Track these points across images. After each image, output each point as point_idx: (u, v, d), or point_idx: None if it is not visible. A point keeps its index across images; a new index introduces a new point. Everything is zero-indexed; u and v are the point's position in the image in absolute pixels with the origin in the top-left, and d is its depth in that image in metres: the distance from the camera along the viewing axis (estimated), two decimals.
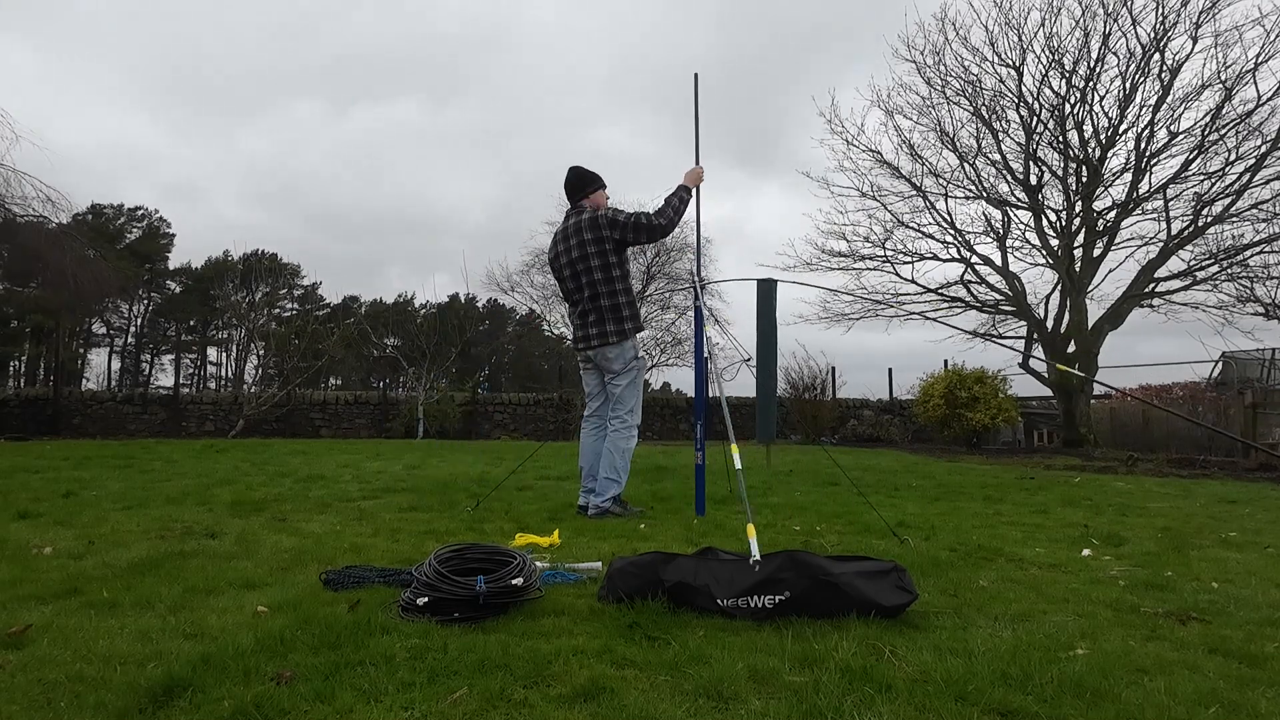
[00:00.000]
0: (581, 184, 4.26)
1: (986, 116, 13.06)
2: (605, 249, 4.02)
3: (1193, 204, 11.93)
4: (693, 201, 4.20)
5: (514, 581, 2.03)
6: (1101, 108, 12.36)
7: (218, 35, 73.95)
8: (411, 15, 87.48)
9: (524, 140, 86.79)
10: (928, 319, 13.94)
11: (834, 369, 15.69)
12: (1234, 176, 11.47)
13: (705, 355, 4.22)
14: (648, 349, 17.64)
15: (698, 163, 4.28)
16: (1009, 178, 13.38)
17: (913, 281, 14.17)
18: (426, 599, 1.97)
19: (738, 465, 2.85)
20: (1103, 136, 12.40)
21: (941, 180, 13.71)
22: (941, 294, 14.14)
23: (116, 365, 45.24)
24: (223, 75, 76.08)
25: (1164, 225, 12.13)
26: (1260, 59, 10.75)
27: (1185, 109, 11.65)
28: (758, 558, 2.30)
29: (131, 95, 77.08)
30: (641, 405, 4.21)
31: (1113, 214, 12.66)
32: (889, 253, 14.22)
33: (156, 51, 74.42)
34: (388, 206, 77.67)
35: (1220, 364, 14.19)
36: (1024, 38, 12.37)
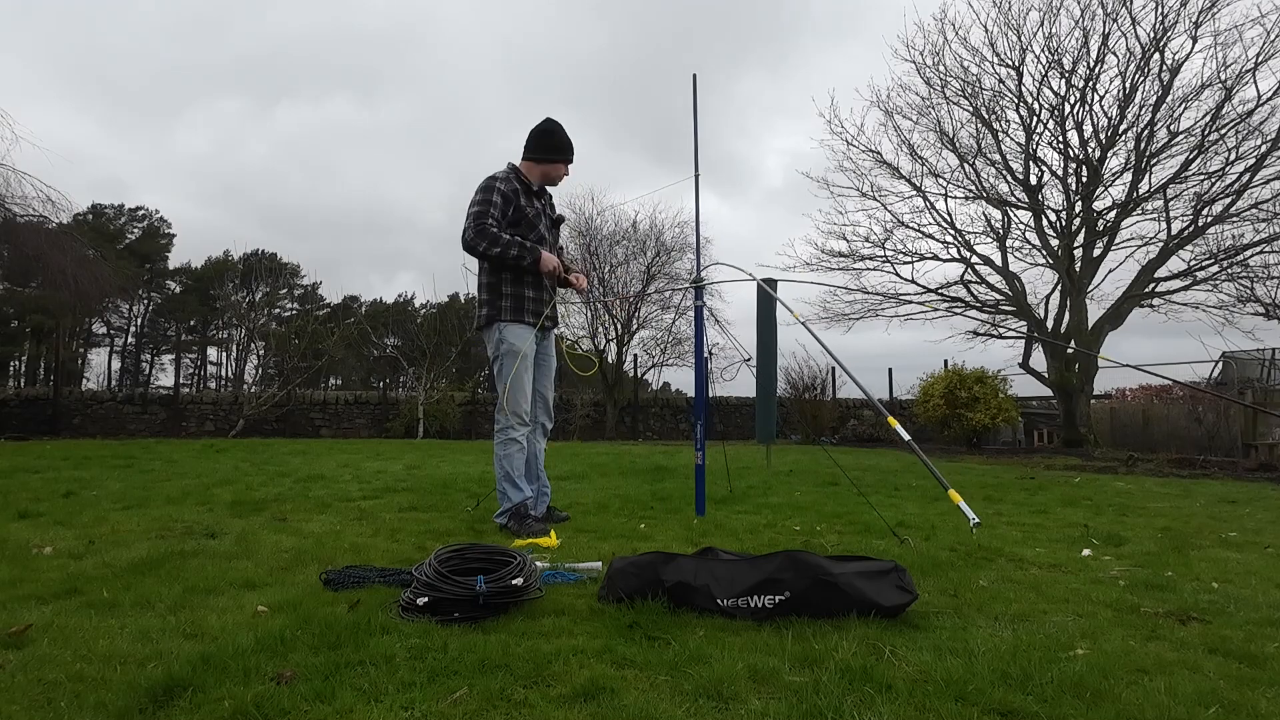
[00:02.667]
0: (533, 143, 3.70)
1: (986, 116, 13.07)
2: None
3: (1193, 204, 11.94)
4: (691, 201, 4.19)
5: (514, 581, 2.03)
6: (1101, 108, 12.37)
7: (128, 34, 72.10)
8: (325, 11, 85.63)
9: (463, 138, 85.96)
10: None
11: (834, 369, 15.71)
12: (1234, 176, 11.48)
13: (706, 355, 4.22)
14: (647, 349, 17.65)
15: (696, 162, 4.28)
16: (1009, 178, 13.39)
17: (913, 281, 14.19)
18: (426, 599, 1.97)
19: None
20: (1102, 136, 12.40)
21: (941, 180, 13.73)
22: (942, 294, 14.15)
23: (116, 365, 45.28)
24: (138, 74, 74.28)
25: (1164, 225, 12.14)
26: (1260, 59, 10.76)
27: (1185, 109, 11.66)
28: (977, 520, 2.45)
29: (51, 95, 74.54)
30: (521, 400, 3.57)
31: (1113, 214, 12.67)
32: (889, 253, 14.24)
33: (66, 50, 72.10)
34: (336, 205, 76.95)
35: (1220, 364, 14.19)
36: (1023, 38, 12.39)
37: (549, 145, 3.70)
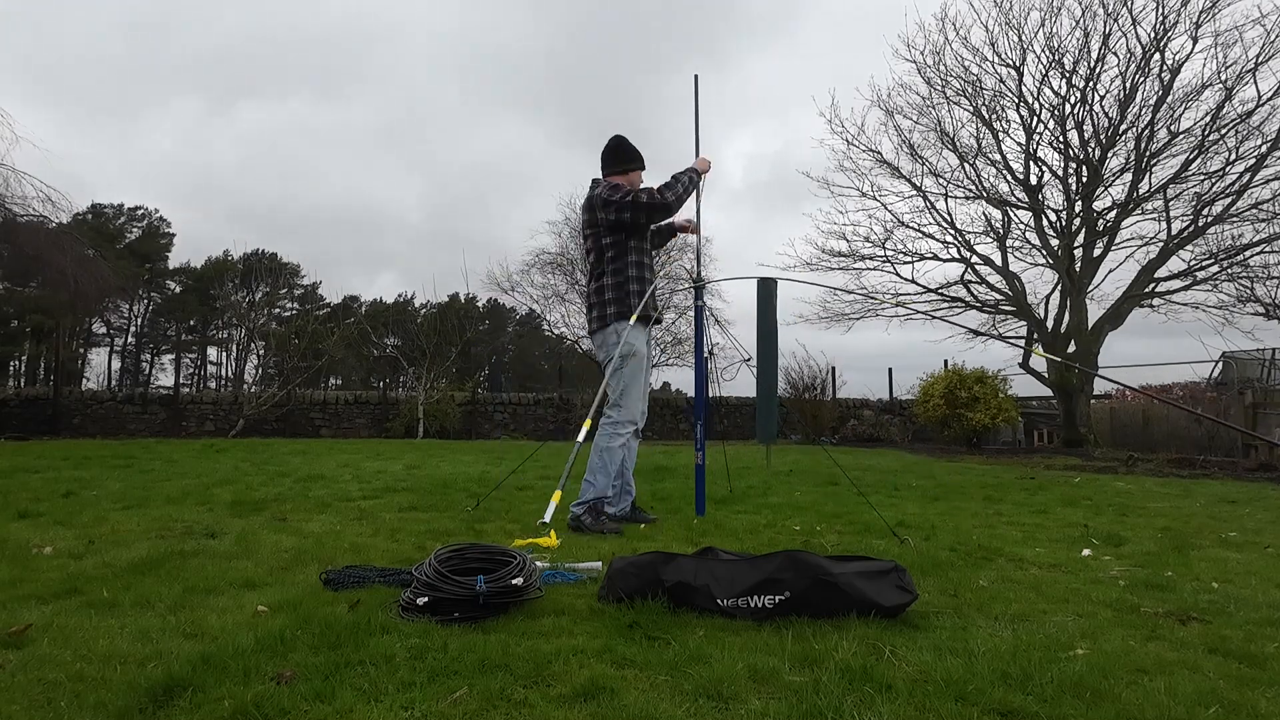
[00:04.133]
0: (611, 158, 3.96)
1: (986, 116, 13.07)
2: (599, 231, 3.77)
3: (1193, 204, 11.94)
4: (692, 198, 4.15)
5: (514, 581, 2.03)
6: (1101, 108, 12.37)
7: (79, 33, 69.50)
8: (270, 13, 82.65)
9: (433, 139, 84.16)
10: (934, 317, 13.94)
11: (834, 369, 15.72)
12: (1234, 176, 11.48)
13: (705, 355, 4.22)
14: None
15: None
16: (1009, 178, 13.40)
17: (913, 281, 14.20)
18: (426, 599, 1.97)
19: (544, 519, 2.84)
20: (1103, 136, 12.40)
21: (941, 180, 13.73)
22: (942, 294, 14.15)
23: (116, 365, 45.25)
24: (92, 73, 72.24)
25: (1164, 225, 12.14)
26: (1260, 59, 10.76)
27: (1185, 109, 11.66)
28: (545, 520, 2.72)
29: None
30: (638, 400, 3.79)
31: (1113, 214, 12.67)
32: (889, 253, 14.24)
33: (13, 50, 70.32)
34: (310, 203, 75.42)
35: (1220, 364, 14.19)
36: (1024, 38, 12.39)
37: (627, 155, 3.97)
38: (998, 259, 13.57)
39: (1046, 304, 13.43)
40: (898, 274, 14.27)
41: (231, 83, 77.94)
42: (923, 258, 14.08)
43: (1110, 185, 12.85)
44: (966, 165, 13.43)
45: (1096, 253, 12.72)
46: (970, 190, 13.61)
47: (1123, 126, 12.22)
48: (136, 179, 72.13)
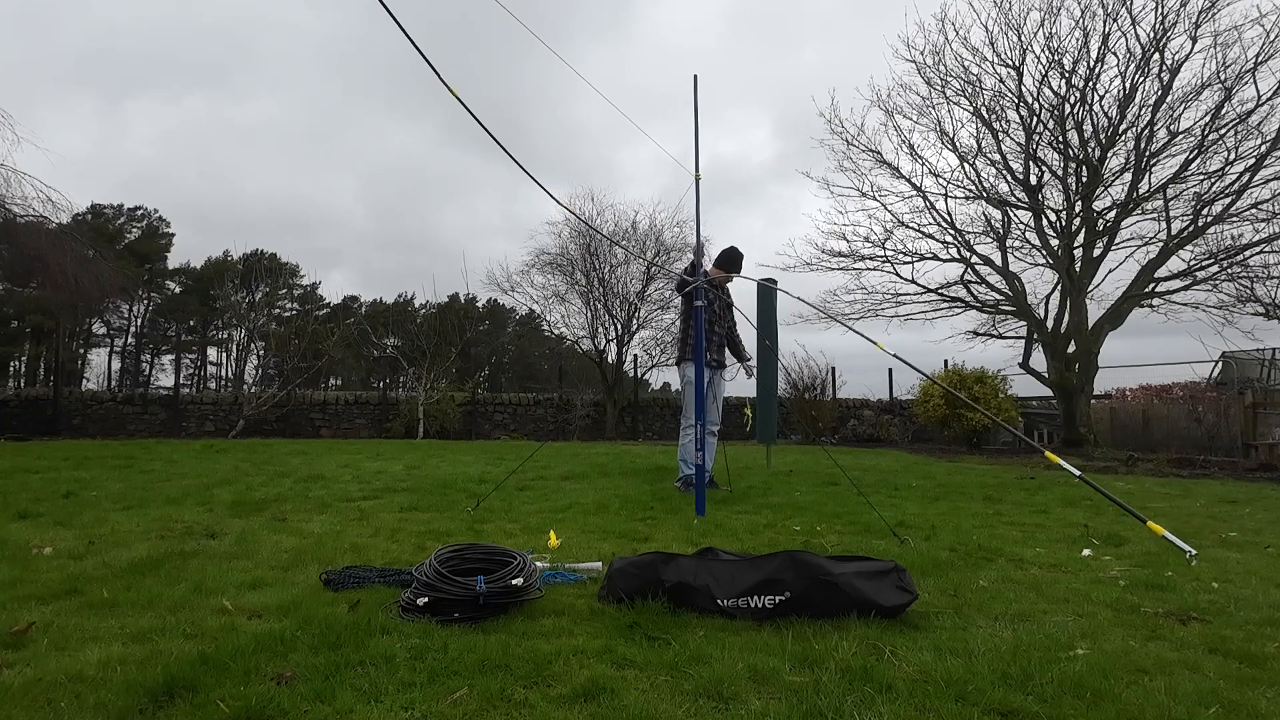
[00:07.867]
0: (735, 264, 5.50)
1: (986, 116, 13.06)
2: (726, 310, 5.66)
3: (1193, 204, 11.92)
4: (691, 198, 4.28)
5: (514, 581, 2.03)
6: (1101, 107, 12.35)
7: None
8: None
9: (349, 138, 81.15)
10: (928, 321, 13.94)
11: (834, 369, 15.70)
12: (1234, 176, 11.46)
13: (705, 355, 4.23)
14: (647, 349, 17.78)
15: (697, 162, 4.30)
16: (1009, 178, 13.38)
17: (913, 281, 14.18)
18: (426, 599, 1.97)
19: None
20: (1102, 136, 12.39)
21: (941, 180, 13.72)
22: (942, 294, 14.14)
23: (116, 365, 45.26)
24: None
25: (1164, 225, 12.12)
26: (1260, 59, 10.74)
27: (1185, 109, 11.63)
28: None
29: None
30: (693, 409, 4.88)
31: (1113, 214, 12.66)
32: (889, 253, 14.23)
33: None
34: (235, 204, 72.46)
35: (1220, 364, 14.19)
36: (1024, 38, 12.38)
37: (736, 266, 5.56)
38: (998, 259, 13.56)
39: (1046, 304, 13.42)
40: (897, 274, 14.26)
41: (121, 80, 72.99)
42: (923, 258, 14.07)
43: (1110, 185, 12.83)
44: (966, 165, 13.43)
45: (1096, 253, 12.71)
46: (970, 190, 13.61)
47: (1122, 126, 12.21)
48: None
